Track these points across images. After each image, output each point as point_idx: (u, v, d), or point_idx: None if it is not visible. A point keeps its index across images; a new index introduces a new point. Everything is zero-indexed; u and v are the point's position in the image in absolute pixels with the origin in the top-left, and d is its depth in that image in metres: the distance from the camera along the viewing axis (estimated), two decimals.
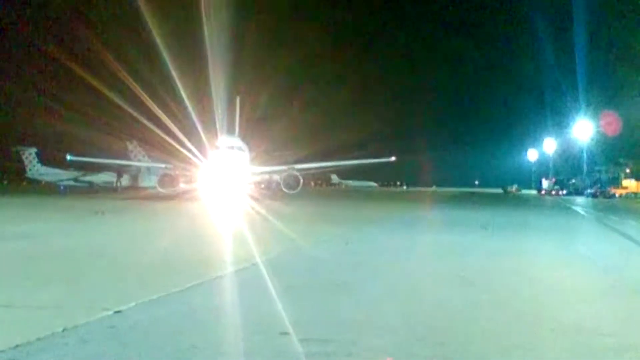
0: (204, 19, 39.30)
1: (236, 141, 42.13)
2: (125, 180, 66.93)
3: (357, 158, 56.32)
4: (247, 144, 54.73)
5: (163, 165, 49.55)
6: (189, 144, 40.80)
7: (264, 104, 58.49)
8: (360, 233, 17.11)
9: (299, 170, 47.97)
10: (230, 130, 55.47)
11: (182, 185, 43.59)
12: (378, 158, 55.21)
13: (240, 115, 57.66)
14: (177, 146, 40.67)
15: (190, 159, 41.13)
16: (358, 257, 11.39)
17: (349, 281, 8.53)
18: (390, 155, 53.02)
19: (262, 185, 50.48)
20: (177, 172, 43.81)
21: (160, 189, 43.58)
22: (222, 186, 40.17)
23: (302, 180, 44.16)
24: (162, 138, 41.53)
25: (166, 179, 43.82)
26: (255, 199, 35.64)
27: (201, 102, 40.42)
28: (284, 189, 43.93)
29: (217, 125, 42.13)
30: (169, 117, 40.77)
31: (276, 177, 46.60)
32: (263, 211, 24.62)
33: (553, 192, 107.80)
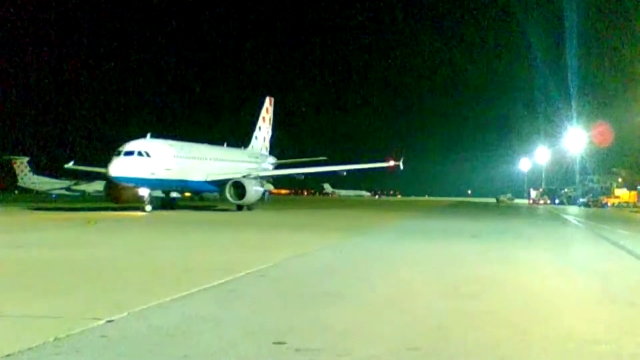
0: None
1: (146, 145, 36.90)
2: None
3: (346, 164, 51.21)
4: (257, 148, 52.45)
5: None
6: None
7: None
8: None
9: (264, 177, 44.71)
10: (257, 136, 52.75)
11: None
12: (373, 163, 50.56)
13: (259, 117, 54.44)
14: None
15: None
16: None
17: None
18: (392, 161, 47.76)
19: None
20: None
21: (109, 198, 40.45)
22: (126, 195, 37.39)
23: (251, 189, 39.48)
24: None
25: (110, 189, 39.51)
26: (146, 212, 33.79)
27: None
28: (229, 198, 39.87)
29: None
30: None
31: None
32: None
33: (541, 202, 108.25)
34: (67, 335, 5.65)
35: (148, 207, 35.41)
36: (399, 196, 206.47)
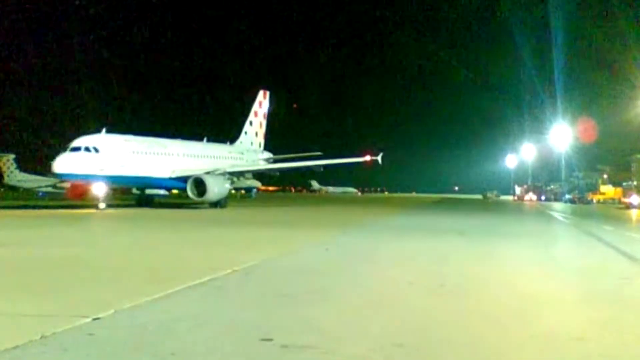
0: None
1: (95, 141, 35.58)
2: None
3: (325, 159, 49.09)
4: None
5: None
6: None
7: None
8: None
9: (233, 173, 42.87)
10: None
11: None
12: (349, 158, 48.70)
13: (251, 111, 52.60)
14: None
15: None
16: None
17: None
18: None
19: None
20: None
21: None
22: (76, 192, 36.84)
23: (212, 185, 38.07)
24: None
25: (69, 186, 38.54)
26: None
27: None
28: (191, 195, 38.58)
29: None
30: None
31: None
32: None
33: (527, 198, 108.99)
34: (54, 333, 5.65)
35: (102, 205, 33.85)
36: (386, 193, 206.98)
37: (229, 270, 9.89)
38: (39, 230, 20.35)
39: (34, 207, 38.25)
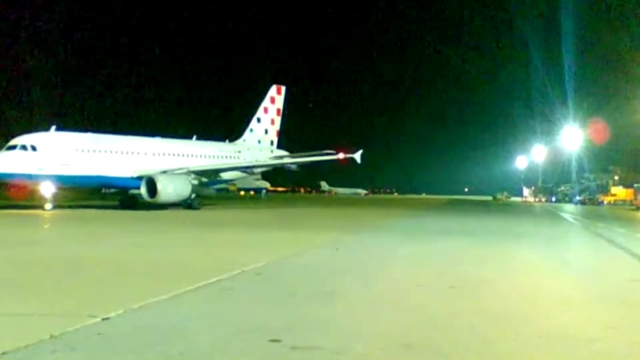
0: None
1: (33, 139, 34.04)
2: None
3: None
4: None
5: None
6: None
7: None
8: None
9: (203, 172, 39.64)
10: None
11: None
12: (321, 156, 45.38)
13: (260, 108, 50.07)
14: None
15: None
16: None
17: None
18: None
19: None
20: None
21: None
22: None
23: (165, 186, 35.16)
24: None
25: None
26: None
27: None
28: (143, 195, 35.69)
29: None
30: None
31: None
32: None
33: (536, 200, 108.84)
34: (63, 333, 5.66)
35: (48, 206, 32.76)
36: (396, 194, 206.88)
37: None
38: None
39: None
